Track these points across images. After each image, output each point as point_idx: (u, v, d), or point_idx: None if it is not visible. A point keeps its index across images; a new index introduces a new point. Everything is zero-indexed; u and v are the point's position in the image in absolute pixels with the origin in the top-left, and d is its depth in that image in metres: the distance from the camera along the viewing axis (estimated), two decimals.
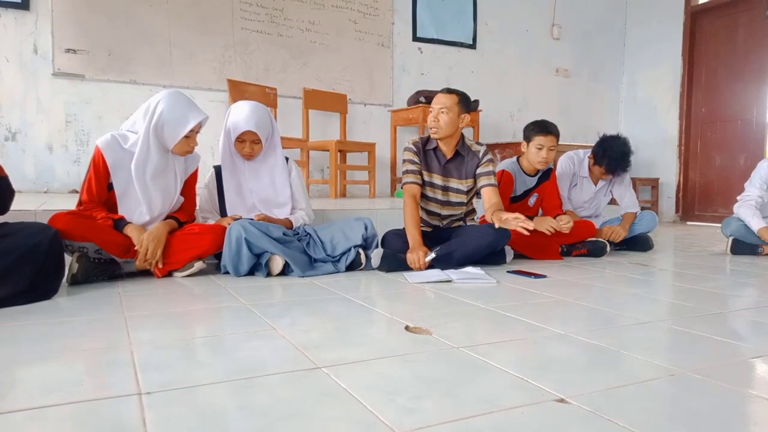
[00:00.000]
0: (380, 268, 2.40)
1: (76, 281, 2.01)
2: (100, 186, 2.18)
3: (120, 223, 2.17)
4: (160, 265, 2.18)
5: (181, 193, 2.37)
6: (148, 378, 1.08)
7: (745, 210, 3.17)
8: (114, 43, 4.08)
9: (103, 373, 1.14)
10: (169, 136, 2.21)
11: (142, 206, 2.21)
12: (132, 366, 1.15)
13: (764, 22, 5.31)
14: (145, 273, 2.23)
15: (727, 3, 5.60)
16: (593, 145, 3.31)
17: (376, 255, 2.41)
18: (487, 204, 2.61)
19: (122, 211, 2.20)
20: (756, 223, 3.11)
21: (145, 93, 4.16)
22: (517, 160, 3.06)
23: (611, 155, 3.13)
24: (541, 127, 2.87)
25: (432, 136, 2.62)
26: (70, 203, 2.43)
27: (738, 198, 3.27)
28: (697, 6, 5.85)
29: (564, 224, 2.74)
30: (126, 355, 1.22)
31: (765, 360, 1.26)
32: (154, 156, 2.20)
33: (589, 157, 3.32)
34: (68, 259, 2.02)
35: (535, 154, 2.88)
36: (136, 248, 2.15)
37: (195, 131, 2.26)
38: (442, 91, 2.61)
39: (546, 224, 2.74)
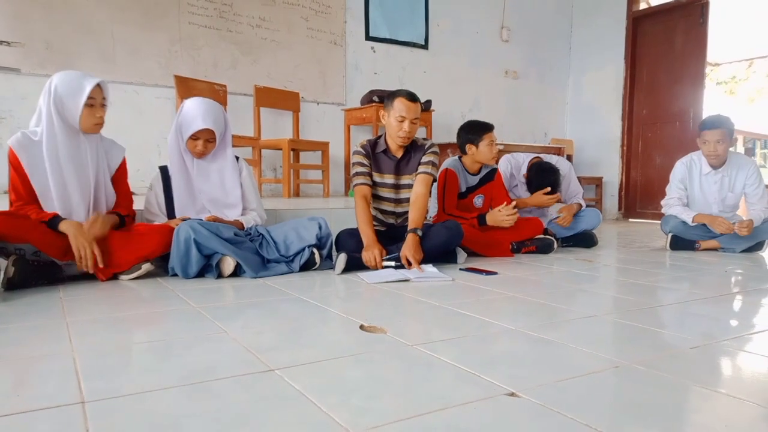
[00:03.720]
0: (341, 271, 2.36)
1: (12, 286, 1.91)
2: (26, 184, 2.07)
3: (54, 221, 2.04)
4: (100, 264, 2.07)
5: (114, 189, 2.28)
6: (92, 386, 1.03)
7: (675, 208, 3.41)
8: (52, 36, 3.89)
9: (42, 383, 1.08)
10: (70, 110, 2.08)
11: (66, 190, 2.09)
12: (74, 374, 1.10)
13: (700, 28, 5.59)
14: (89, 276, 2.13)
15: (666, 9, 5.87)
16: (532, 159, 3.45)
17: (341, 261, 2.35)
18: (413, 193, 2.61)
19: (48, 208, 2.08)
20: (688, 215, 3.33)
21: None
22: (459, 159, 3.14)
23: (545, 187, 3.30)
24: (487, 126, 3.07)
25: (401, 144, 2.62)
26: (3, 204, 2.31)
27: (662, 203, 3.51)
28: (639, 11, 6.10)
29: (511, 212, 2.94)
30: (68, 362, 1.17)
31: (702, 350, 1.33)
32: (60, 137, 2.08)
33: (524, 175, 3.43)
34: (3, 262, 1.91)
35: (488, 151, 3.04)
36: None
37: (98, 102, 2.12)
38: (406, 98, 2.53)
39: (496, 216, 2.95)
